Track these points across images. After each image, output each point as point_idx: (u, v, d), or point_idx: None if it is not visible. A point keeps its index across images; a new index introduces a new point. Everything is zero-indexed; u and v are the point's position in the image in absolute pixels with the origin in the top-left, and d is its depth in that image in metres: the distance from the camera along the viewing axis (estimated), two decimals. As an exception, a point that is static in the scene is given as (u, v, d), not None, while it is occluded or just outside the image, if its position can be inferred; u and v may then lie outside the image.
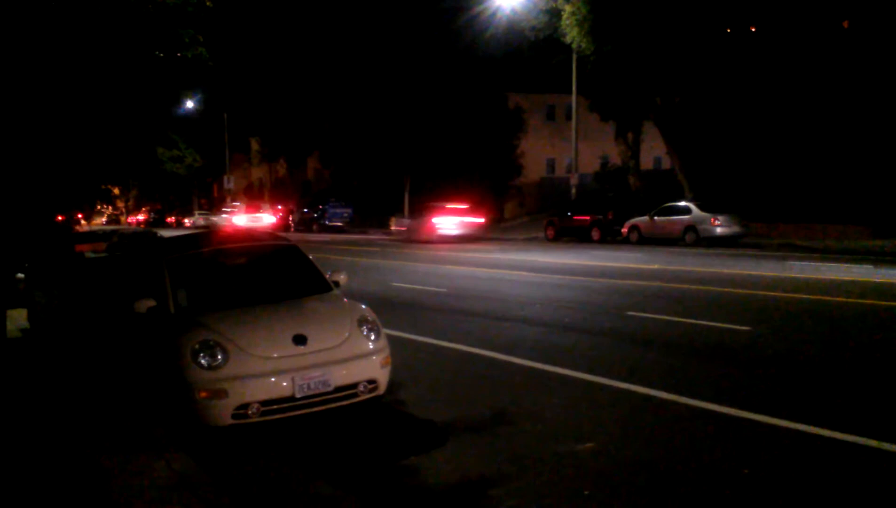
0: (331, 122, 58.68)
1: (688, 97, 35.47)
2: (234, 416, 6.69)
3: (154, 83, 15.91)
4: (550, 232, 35.68)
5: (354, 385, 7.12)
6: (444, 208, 37.65)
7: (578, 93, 37.36)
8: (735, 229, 28.63)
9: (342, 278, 8.58)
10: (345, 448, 6.81)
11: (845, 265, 19.98)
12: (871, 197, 28.79)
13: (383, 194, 53.73)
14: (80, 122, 13.92)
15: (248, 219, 54.72)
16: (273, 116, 62.34)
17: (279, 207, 60.62)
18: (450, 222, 36.84)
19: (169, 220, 78.20)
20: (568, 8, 31.63)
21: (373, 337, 7.46)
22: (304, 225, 53.99)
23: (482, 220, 38.70)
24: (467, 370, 9.48)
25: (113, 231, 27.89)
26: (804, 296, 14.50)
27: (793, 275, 17.89)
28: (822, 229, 29.27)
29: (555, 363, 9.39)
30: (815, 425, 6.67)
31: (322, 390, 6.92)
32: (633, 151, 38.86)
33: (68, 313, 10.99)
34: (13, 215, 13.28)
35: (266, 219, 55.82)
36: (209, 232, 11.10)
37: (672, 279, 17.60)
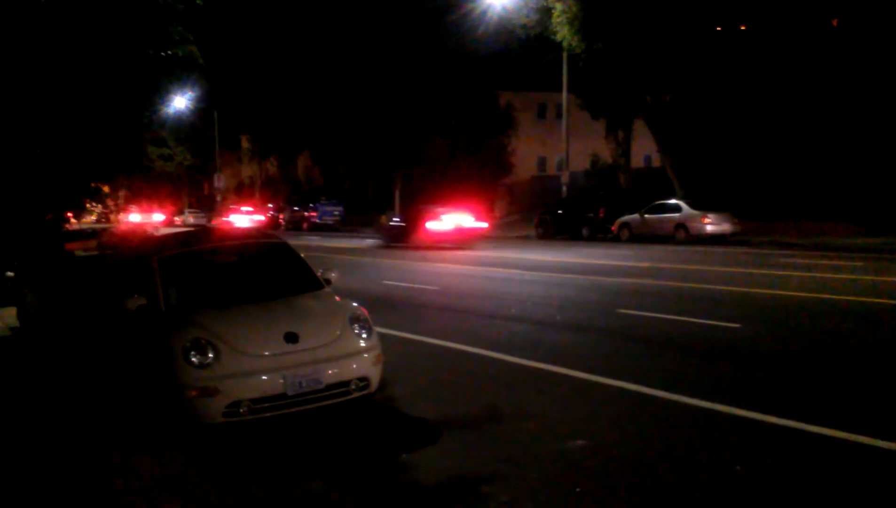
0: (321, 120, 58.57)
1: (678, 95, 35.56)
2: (225, 414, 6.67)
3: (144, 81, 15.87)
4: (541, 230, 35.70)
5: (346, 383, 7.10)
6: (237, 209, 59.17)
7: (569, 91, 37.38)
8: (726, 226, 28.70)
9: (333, 275, 8.56)
10: (337, 446, 6.80)
11: (837, 263, 20.06)
12: (863, 195, 28.90)
13: (374, 192, 53.70)
14: (70, 119, 13.87)
15: (142, 218, 66.81)
16: (263, 114, 62.23)
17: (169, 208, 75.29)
18: (241, 219, 55.22)
19: None
20: (558, 6, 31.65)
21: (364, 335, 7.44)
22: (294, 224, 53.99)
23: (264, 218, 56.70)
24: (460, 368, 9.47)
25: (103, 229, 27.73)
26: (796, 293, 14.55)
27: (784, 272, 17.95)
28: (814, 227, 29.36)
29: (547, 361, 9.39)
30: (808, 422, 6.68)
31: (314, 387, 6.90)
32: (624, 149, 38.89)
33: (58, 311, 10.93)
34: (2, 213, 13.22)
35: (156, 218, 67.67)
36: (200, 230, 11.08)
37: (663, 277, 17.64)
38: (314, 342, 7.12)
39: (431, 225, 30.08)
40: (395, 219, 35.32)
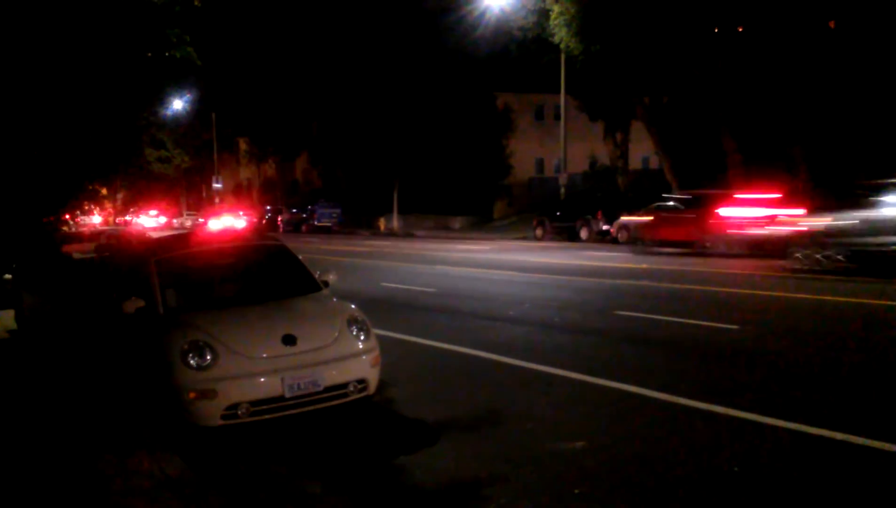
0: (319, 122, 58.57)
1: (676, 97, 35.56)
2: (223, 416, 6.66)
3: (141, 83, 15.87)
4: (539, 232, 35.68)
5: (344, 385, 7.10)
6: (146, 213, 69.38)
7: (567, 93, 37.37)
8: (723, 228, 28.61)
9: (331, 277, 8.56)
10: (336, 448, 6.80)
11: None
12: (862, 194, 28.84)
13: (373, 194, 53.65)
14: (67, 121, 13.87)
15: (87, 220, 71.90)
16: (262, 115, 62.19)
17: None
18: (148, 221, 65.95)
19: None
20: (556, 8, 31.63)
21: (362, 337, 7.43)
22: (293, 226, 53.97)
23: (166, 221, 68.09)
24: (458, 370, 9.48)
25: (101, 232, 27.77)
26: (794, 295, 14.55)
27: (782, 274, 17.94)
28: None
29: (545, 363, 9.39)
30: (806, 423, 6.68)
31: (312, 390, 6.89)
32: (622, 150, 38.90)
33: (56, 313, 10.92)
34: (1, 216, 13.22)
35: (95, 219, 71.50)
36: (198, 232, 11.09)
37: (660, 278, 17.64)
38: (312, 344, 7.11)
39: (211, 224, 44.63)
40: (200, 219, 51.34)
